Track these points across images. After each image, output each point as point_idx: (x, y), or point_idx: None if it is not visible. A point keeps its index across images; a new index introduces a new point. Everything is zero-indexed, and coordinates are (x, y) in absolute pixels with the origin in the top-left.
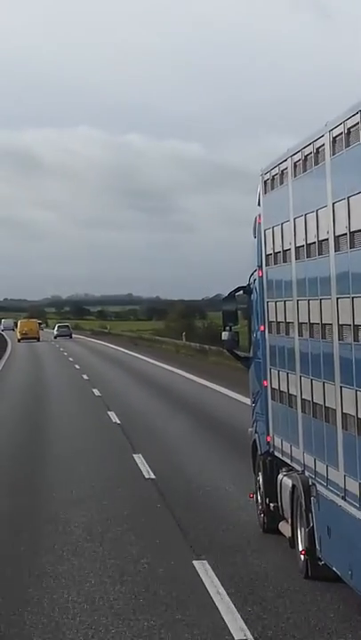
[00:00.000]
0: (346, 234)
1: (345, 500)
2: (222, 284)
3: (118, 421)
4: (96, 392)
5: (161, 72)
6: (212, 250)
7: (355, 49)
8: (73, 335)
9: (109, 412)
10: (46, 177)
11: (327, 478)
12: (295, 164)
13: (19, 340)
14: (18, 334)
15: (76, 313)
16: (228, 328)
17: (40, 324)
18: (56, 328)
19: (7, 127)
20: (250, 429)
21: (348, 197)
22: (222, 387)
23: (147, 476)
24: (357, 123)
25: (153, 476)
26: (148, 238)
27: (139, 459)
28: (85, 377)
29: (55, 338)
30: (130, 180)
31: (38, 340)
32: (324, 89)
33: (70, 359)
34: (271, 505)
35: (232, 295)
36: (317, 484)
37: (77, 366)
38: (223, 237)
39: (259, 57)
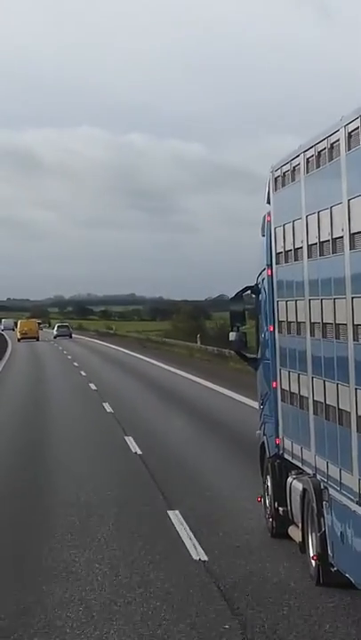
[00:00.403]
0: None
1: (360, 504)
2: (223, 285)
3: (139, 451)
4: (107, 407)
5: (162, 72)
6: (213, 250)
7: (356, 49)
8: (77, 336)
9: (126, 438)
10: (47, 177)
11: (340, 482)
12: (308, 159)
13: (19, 340)
14: (18, 334)
15: (80, 313)
16: (235, 329)
17: (40, 324)
18: (56, 328)
19: (7, 127)
20: (258, 432)
21: None
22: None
23: (195, 557)
24: None
25: (205, 558)
26: (150, 238)
27: (177, 520)
28: (93, 387)
29: (55, 338)
30: (131, 179)
31: (37, 339)
32: (325, 89)
33: (75, 364)
34: (280, 509)
35: (239, 295)
36: (330, 488)
37: (83, 373)
38: (224, 237)
39: (259, 57)
